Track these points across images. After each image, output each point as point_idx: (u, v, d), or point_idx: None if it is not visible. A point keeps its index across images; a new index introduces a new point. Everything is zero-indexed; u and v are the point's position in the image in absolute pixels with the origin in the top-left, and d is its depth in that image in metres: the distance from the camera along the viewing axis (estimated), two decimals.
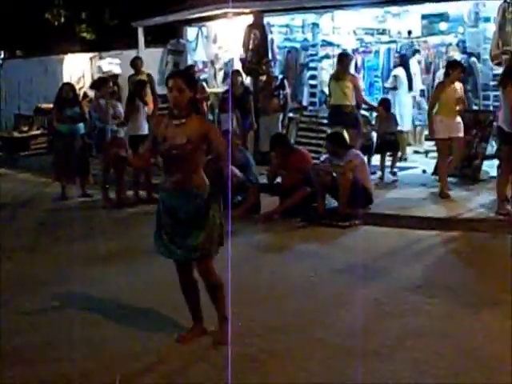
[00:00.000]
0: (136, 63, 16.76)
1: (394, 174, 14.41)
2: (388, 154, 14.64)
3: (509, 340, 6.49)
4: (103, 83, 13.93)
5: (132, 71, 16.64)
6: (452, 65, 12.70)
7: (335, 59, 17.08)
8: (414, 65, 17.23)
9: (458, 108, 12.30)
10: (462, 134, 12.28)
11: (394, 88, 16.60)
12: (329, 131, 14.45)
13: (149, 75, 16.74)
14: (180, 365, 6.32)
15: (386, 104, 14.95)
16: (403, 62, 16.69)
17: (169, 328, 7.08)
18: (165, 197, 6.63)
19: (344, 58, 14.46)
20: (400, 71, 16.71)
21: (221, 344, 6.57)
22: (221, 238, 6.63)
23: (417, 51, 17.51)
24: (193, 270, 6.76)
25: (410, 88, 16.73)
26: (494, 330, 6.95)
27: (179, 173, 6.45)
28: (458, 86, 12.44)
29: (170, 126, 6.50)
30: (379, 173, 14.21)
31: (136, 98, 13.59)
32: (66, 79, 20.99)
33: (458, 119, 12.29)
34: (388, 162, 14.52)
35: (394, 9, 16.88)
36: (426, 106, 16.78)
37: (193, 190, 6.49)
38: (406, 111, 16.24)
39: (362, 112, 14.99)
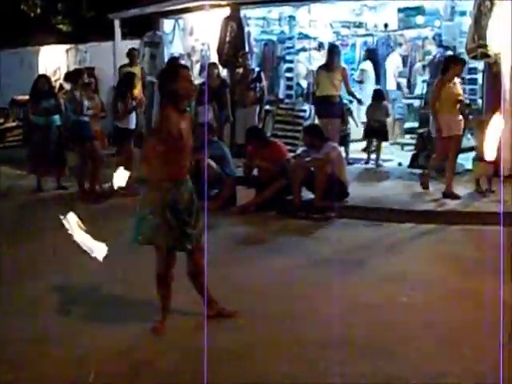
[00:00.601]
0: (133, 54, 17.01)
1: (378, 165, 14.65)
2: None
3: (485, 331, 6.55)
4: (78, 75, 13.86)
5: (108, 64, 16.63)
6: (453, 60, 12.49)
7: (312, 52, 17.23)
8: (396, 59, 17.32)
9: (458, 106, 12.07)
10: (461, 133, 12.18)
11: (361, 82, 16.72)
12: (305, 124, 14.54)
13: (142, 68, 16.89)
14: (152, 354, 6.30)
15: (377, 94, 15.49)
16: (371, 55, 16.77)
17: (144, 318, 7.04)
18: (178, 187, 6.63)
19: (334, 50, 14.64)
20: (367, 65, 16.84)
21: (234, 315, 7.07)
22: None
23: (399, 45, 17.63)
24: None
25: (378, 81, 16.89)
26: (471, 321, 6.98)
27: (185, 163, 6.73)
28: (458, 81, 12.27)
29: (182, 121, 6.55)
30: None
31: (126, 91, 13.57)
32: (41, 71, 20.89)
33: (460, 117, 12.08)
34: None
35: (371, 2, 16.97)
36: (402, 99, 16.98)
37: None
38: None
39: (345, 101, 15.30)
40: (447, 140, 11.96)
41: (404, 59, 17.77)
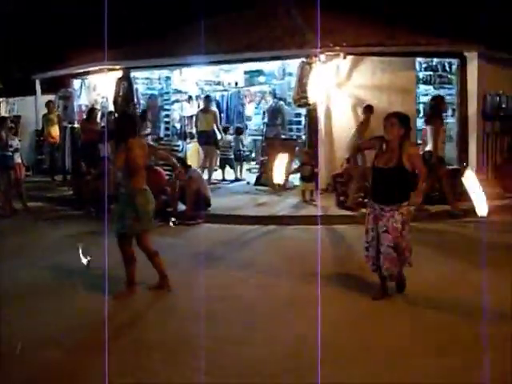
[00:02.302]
0: (49, 105, 16.89)
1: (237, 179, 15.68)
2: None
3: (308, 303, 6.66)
4: (3, 122, 13.43)
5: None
6: (368, 108, 12.20)
7: (183, 103, 17.25)
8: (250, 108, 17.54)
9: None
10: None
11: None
12: (179, 155, 14.55)
13: (58, 115, 16.87)
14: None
15: (238, 130, 16.42)
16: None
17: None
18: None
19: (208, 99, 15.64)
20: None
21: (169, 289, 7.22)
22: None
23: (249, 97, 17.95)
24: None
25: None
26: (295, 295, 7.12)
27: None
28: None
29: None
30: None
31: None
32: None
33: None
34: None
35: (225, 66, 17.08)
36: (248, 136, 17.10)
37: None
38: None
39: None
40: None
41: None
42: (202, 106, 16.05)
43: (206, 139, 15.22)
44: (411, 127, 6.91)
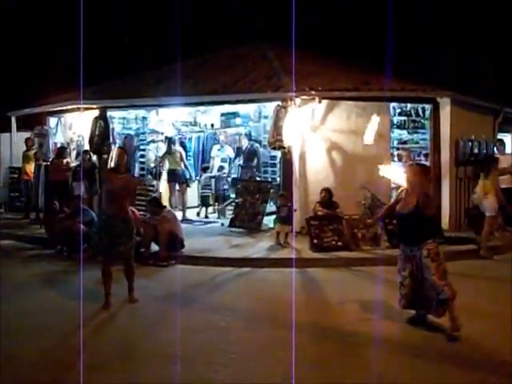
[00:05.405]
0: (27, 142, 17.27)
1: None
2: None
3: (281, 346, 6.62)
4: None
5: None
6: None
7: (159, 143, 17.32)
8: (229, 150, 17.59)
9: None
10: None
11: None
12: (153, 195, 14.55)
13: (36, 153, 16.90)
14: None
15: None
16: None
17: None
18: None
19: (170, 141, 16.14)
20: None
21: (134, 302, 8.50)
22: None
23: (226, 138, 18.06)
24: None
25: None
26: (266, 339, 7.06)
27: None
28: None
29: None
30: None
31: None
32: None
33: None
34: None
35: (202, 108, 17.21)
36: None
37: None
38: None
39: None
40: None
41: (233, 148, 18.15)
42: (165, 149, 16.42)
43: (175, 177, 15.84)
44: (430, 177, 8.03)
